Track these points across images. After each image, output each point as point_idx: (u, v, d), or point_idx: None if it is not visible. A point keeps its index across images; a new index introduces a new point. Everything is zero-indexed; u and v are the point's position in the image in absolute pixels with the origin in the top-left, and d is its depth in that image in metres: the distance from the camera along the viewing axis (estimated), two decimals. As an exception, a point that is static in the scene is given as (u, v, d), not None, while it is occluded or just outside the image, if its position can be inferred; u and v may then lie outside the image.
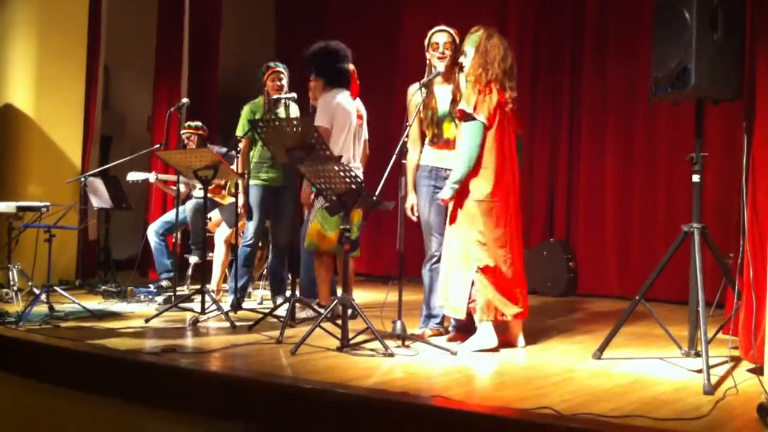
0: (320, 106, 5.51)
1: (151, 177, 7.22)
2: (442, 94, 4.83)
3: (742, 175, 4.02)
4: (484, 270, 4.40)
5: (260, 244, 7.10)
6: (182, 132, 7.05)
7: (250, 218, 5.85)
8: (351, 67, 5.68)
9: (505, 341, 4.53)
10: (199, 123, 7.10)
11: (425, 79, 4.77)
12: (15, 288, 5.84)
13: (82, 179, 7.00)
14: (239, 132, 5.95)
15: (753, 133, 3.98)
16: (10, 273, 5.90)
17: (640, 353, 4.46)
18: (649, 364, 4.11)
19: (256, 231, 5.92)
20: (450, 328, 4.78)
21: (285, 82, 5.95)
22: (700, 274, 3.90)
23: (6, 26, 7.36)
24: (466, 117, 4.42)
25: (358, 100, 5.72)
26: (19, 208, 5.93)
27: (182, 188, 7.00)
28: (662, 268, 4.14)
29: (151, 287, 6.64)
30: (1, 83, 7.32)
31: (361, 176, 5.44)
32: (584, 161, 7.64)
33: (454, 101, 4.74)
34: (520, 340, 4.59)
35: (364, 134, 5.80)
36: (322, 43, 5.66)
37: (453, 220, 4.55)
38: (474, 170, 4.42)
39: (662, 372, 3.93)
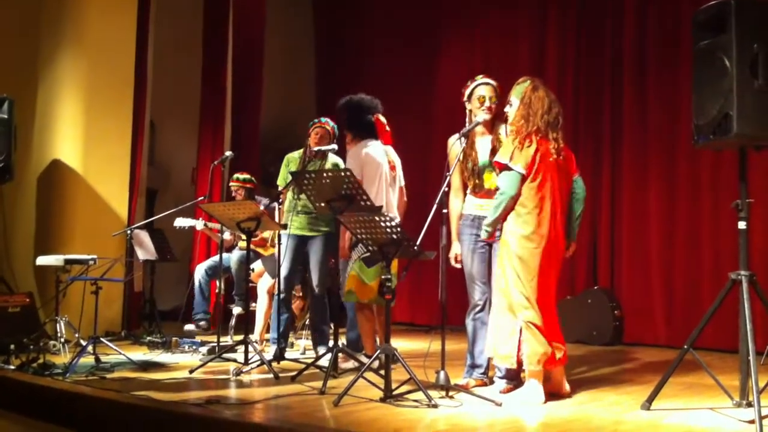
0: (349, 158, 5.57)
1: (198, 224, 7.34)
2: (483, 144, 4.85)
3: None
4: (529, 318, 4.36)
5: (302, 294, 7.15)
6: (230, 184, 7.16)
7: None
8: (381, 117, 5.71)
9: (550, 390, 4.46)
10: (247, 176, 7.21)
11: (465, 129, 4.79)
12: (62, 340, 5.93)
13: (128, 232, 7.12)
14: (280, 183, 6.03)
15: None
16: (58, 325, 5.99)
17: (690, 404, 4.35)
18: (700, 415, 4.00)
19: (285, 279, 5.94)
20: (495, 378, 4.73)
21: (328, 138, 6.00)
22: (749, 322, 3.82)
23: (55, 84, 7.58)
24: (503, 168, 4.44)
25: (390, 147, 5.73)
26: (67, 261, 6.04)
27: (228, 236, 7.11)
28: (710, 317, 4.07)
29: (196, 338, 6.69)
30: (50, 139, 7.52)
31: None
32: (626, 207, 7.58)
33: (494, 152, 4.75)
34: (565, 386, 4.53)
35: (400, 181, 5.80)
36: (348, 97, 5.73)
37: (497, 267, 4.54)
38: (513, 217, 4.42)
39: (713, 423, 3.83)
